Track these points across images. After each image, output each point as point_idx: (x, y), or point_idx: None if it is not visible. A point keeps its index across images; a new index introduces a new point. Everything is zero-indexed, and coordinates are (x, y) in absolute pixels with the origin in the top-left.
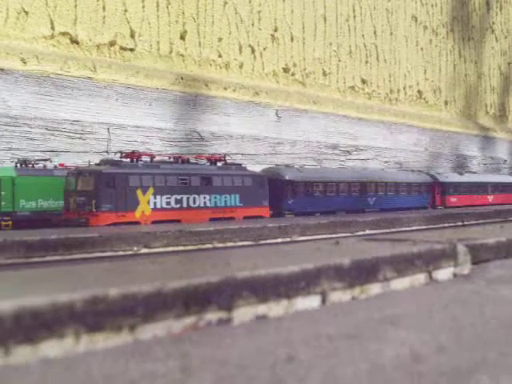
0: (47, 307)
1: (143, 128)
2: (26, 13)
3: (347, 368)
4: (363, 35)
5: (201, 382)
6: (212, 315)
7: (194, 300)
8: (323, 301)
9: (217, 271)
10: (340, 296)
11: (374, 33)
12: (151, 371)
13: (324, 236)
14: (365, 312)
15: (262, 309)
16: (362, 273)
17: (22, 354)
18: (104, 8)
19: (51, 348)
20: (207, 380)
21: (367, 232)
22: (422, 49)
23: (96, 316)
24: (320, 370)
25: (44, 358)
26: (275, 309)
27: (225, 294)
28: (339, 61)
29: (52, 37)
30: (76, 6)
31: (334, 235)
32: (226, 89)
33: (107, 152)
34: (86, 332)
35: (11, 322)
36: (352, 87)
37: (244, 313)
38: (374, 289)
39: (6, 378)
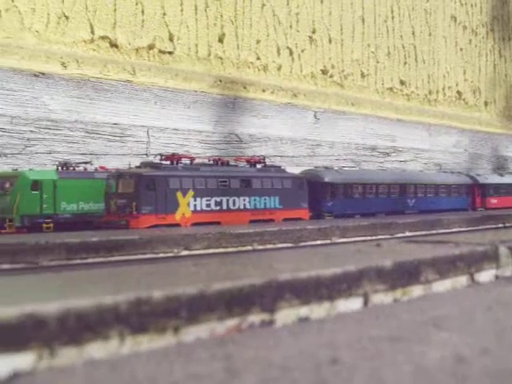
0: (92, 309)
1: (182, 130)
2: (67, 17)
3: (391, 370)
4: (401, 36)
5: (245, 383)
6: (255, 317)
7: (236, 302)
8: (365, 303)
9: (259, 273)
10: (382, 298)
11: (413, 33)
12: (195, 373)
13: (364, 238)
14: (407, 314)
15: (304, 311)
16: (404, 275)
17: (67, 355)
18: (143, 12)
19: (96, 350)
20: (251, 382)
21: (407, 234)
22: (461, 49)
23: (140, 318)
24: (364, 373)
25: (89, 360)
26: (317, 311)
27: (267, 296)
28: (377, 62)
29: (92, 41)
30: (115, 10)
31: (373, 237)
32: (264, 91)
33: (146, 154)
34: (131, 334)
35: (56, 323)
36: (390, 88)
37: (286, 315)
38: (416, 291)
39: (52, 380)
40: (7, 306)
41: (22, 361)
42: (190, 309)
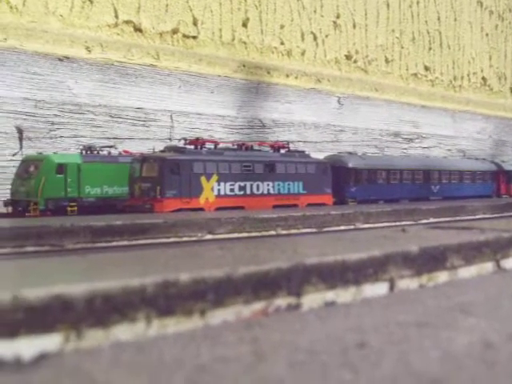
0: (119, 291)
1: (205, 115)
2: (91, 2)
3: (419, 355)
4: (426, 21)
5: (273, 366)
6: (281, 301)
7: (263, 285)
8: (391, 288)
9: (285, 257)
10: (408, 283)
11: (438, 19)
12: (223, 355)
13: (387, 224)
14: (433, 300)
15: (330, 295)
16: (430, 260)
17: (94, 337)
18: None
19: (122, 332)
20: (280, 365)
21: (431, 220)
22: (487, 34)
23: (167, 300)
24: (392, 357)
25: (115, 342)
26: (343, 295)
27: (294, 280)
28: (402, 47)
29: (116, 25)
30: None
31: (397, 223)
32: (287, 76)
33: (170, 139)
34: (157, 316)
35: (83, 305)
36: (415, 74)
37: (313, 299)
38: (442, 277)
39: (79, 361)
40: (35, 288)
41: (50, 342)
42: (217, 292)
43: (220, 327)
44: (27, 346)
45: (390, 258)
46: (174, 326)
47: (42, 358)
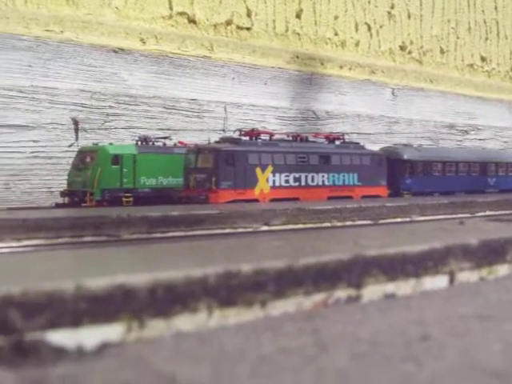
0: (181, 281)
1: (259, 106)
2: None
3: (482, 348)
4: (483, 11)
5: (336, 358)
6: (341, 292)
7: (323, 277)
8: (451, 281)
9: (345, 249)
10: (468, 276)
11: (495, 8)
12: (285, 347)
13: (443, 216)
14: (494, 293)
15: (390, 287)
16: (490, 253)
17: (156, 327)
18: None
19: (184, 322)
20: (342, 356)
21: (488, 213)
22: None
23: (228, 291)
24: (455, 350)
25: (177, 332)
26: (403, 287)
27: (354, 272)
28: (457, 38)
29: (170, 17)
30: None
31: (453, 216)
32: (341, 67)
33: (224, 130)
34: (219, 307)
35: (146, 295)
36: (471, 65)
37: (373, 291)
38: (502, 270)
39: (141, 351)
40: (97, 277)
41: (112, 332)
42: (278, 283)
43: (281, 318)
44: (89, 336)
45: (450, 251)
46: (234, 316)
47: (104, 348)
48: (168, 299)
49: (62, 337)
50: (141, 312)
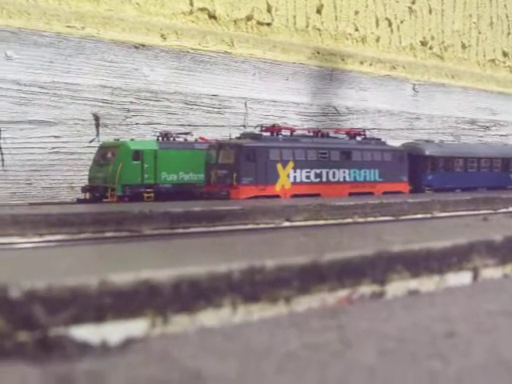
0: (205, 277)
1: (279, 102)
2: None
3: (508, 344)
4: (505, 5)
5: (362, 354)
6: (365, 288)
7: (347, 273)
8: (475, 277)
9: (369, 244)
10: (491, 273)
11: None
12: (311, 343)
13: (465, 213)
14: None
15: (414, 283)
16: None
17: (180, 323)
18: None
19: (208, 318)
20: (369, 352)
21: (511, 209)
22: None
23: (253, 287)
24: (481, 347)
25: (201, 328)
26: (427, 284)
27: (378, 268)
28: (479, 33)
29: (191, 12)
30: None
31: (475, 212)
32: (362, 63)
33: (244, 126)
34: (243, 302)
35: (170, 290)
36: (492, 60)
37: (396, 287)
38: None
39: (165, 347)
40: (122, 273)
41: (136, 327)
42: (302, 279)
43: (305, 314)
44: (113, 331)
45: (474, 247)
46: (259, 312)
47: (128, 343)
48: (192, 295)
49: (86, 332)
50: (165, 307)
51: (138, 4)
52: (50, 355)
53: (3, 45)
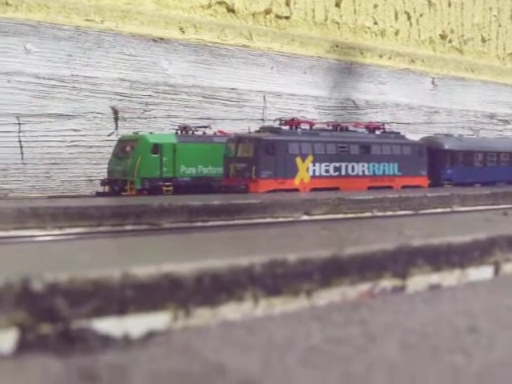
0: (227, 270)
1: (298, 96)
2: None
3: None
4: None
5: (385, 348)
6: (387, 282)
7: (368, 267)
8: (496, 272)
9: (390, 238)
10: None
11: None
12: (333, 337)
13: (485, 207)
14: None
15: (435, 278)
16: None
17: (202, 316)
18: None
19: (230, 311)
20: (392, 347)
21: None
22: None
23: (274, 280)
24: (504, 341)
25: (223, 321)
26: (448, 278)
27: (399, 262)
28: (499, 26)
29: (209, 6)
30: None
31: (495, 206)
32: (381, 56)
33: (263, 120)
34: (264, 296)
35: (192, 284)
36: None
37: (417, 281)
38: None
39: (188, 340)
40: (144, 266)
41: (158, 320)
42: (323, 272)
43: (327, 308)
44: (135, 324)
45: (495, 242)
46: (280, 305)
47: (150, 336)
48: (214, 288)
49: (108, 325)
50: (187, 301)
51: None
52: (72, 348)
53: (23, 38)
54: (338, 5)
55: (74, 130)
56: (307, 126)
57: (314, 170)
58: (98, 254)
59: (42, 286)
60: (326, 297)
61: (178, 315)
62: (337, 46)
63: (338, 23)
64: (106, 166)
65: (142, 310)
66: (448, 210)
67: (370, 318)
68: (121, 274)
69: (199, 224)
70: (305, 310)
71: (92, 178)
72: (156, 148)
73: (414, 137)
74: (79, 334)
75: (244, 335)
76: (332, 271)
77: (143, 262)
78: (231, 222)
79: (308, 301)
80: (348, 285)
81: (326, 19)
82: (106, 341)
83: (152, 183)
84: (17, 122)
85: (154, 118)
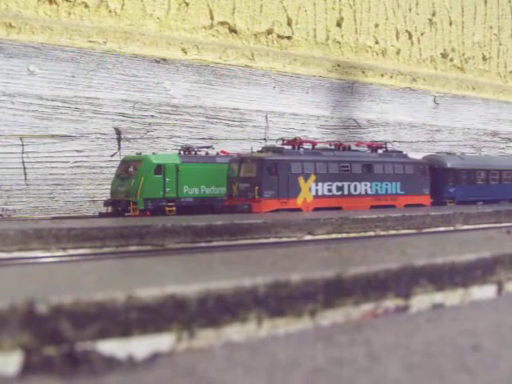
0: (231, 291)
1: (300, 115)
2: (187, 4)
3: None
4: None
5: (389, 368)
6: (390, 302)
7: (372, 287)
8: (499, 290)
9: (393, 258)
10: None
11: None
12: (337, 357)
13: (488, 225)
14: None
15: (438, 297)
16: None
17: (206, 337)
18: None
19: (234, 332)
20: (395, 367)
21: None
22: None
23: (278, 301)
24: (508, 360)
25: (227, 342)
26: (451, 297)
27: (403, 282)
28: (500, 44)
29: (211, 27)
30: None
31: (497, 225)
32: (382, 75)
33: (265, 139)
34: (268, 317)
35: (196, 305)
36: None
37: (421, 300)
38: None
39: (192, 361)
40: (148, 287)
41: (162, 342)
42: (327, 293)
43: (330, 328)
44: (140, 346)
45: (499, 260)
46: (284, 326)
47: (154, 358)
48: (218, 309)
49: (112, 347)
50: (191, 322)
51: (158, 18)
52: (76, 370)
53: (26, 60)
54: (339, 24)
55: (77, 151)
56: (309, 146)
57: (316, 190)
58: (102, 275)
59: (47, 309)
60: (330, 317)
61: (183, 336)
62: (338, 66)
63: (339, 43)
64: (109, 186)
65: (147, 332)
66: (451, 228)
67: (373, 338)
68: (125, 296)
69: (203, 244)
70: (308, 330)
71: (95, 199)
72: (159, 168)
73: (417, 155)
74: (84, 356)
75: (248, 356)
76: (335, 292)
77: (147, 283)
78: (235, 243)
79: (312, 321)
80: (351, 305)
81: (327, 39)
82: (111, 363)
83: (155, 204)
84: (20, 143)
85: (157, 138)
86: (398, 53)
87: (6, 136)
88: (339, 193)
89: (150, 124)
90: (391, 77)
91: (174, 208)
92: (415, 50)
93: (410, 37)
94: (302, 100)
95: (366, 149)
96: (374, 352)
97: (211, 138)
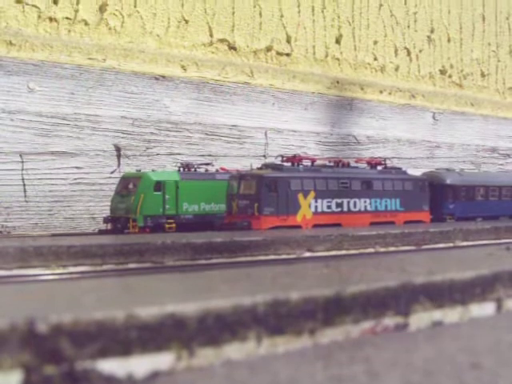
0: (230, 310)
1: (299, 132)
2: (186, 21)
3: None
4: None
5: None
6: (389, 320)
7: (371, 305)
8: (498, 308)
9: (393, 276)
10: None
11: None
12: (337, 375)
13: (487, 242)
14: None
15: (437, 315)
16: None
17: (206, 356)
18: (260, 14)
19: (233, 351)
20: None
21: None
22: None
23: (277, 319)
24: (507, 378)
25: (227, 361)
26: (451, 315)
27: (402, 299)
28: (498, 61)
29: (211, 44)
30: (233, 13)
31: (497, 241)
32: (381, 92)
33: (264, 156)
34: (268, 335)
35: (196, 324)
36: None
37: (420, 318)
38: None
39: (192, 380)
40: (148, 306)
41: (162, 361)
42: (326, 311)
43: (330, 346)
44: (140, 364)
45: (498, 277)
46: (283, 345)
47: (154, 377)
48: (218, 328)
49: (112, 365)
50: (191, 341)
51: (158, 36)
52: None
53: (26, 77)
54: (338, 41)
55: (77, 168)
56: (309, 163)
57: (316, 207)
58: (102, 294)
59: (47, 328)
60: (329, 335)
61: (182, 355)
62: (337, 82)
63: (338, 59)
64: (109, 203)
65: (146, 351)
66: (450, 244)
67: (373, 355)
68: (125, 315)
69: (202, 261)
70: (308, 348)
71: (95, 216)
72: (159, 185)
73: (416, 172)
74: (84, 375)
75: (247, 375)
76: (335, 310)
77: (147, 302)
78: (234, 260)
79: (311, 339)
80: (351, 323)
81: (326, 56)
82: (111, 382)
83: (155, 221)
84: (20, 160)
85: (157, 155)
86: (396, 69)
87: (6, 153)
88: (339, 209)
89: (149, 141)
90: (390, 93)
91: (173, 225)
92: (414, 67)
93: (409, 53)
94: (301, 117)
95: (365, 165)
96: (373, 369)
97: (210, 155)
